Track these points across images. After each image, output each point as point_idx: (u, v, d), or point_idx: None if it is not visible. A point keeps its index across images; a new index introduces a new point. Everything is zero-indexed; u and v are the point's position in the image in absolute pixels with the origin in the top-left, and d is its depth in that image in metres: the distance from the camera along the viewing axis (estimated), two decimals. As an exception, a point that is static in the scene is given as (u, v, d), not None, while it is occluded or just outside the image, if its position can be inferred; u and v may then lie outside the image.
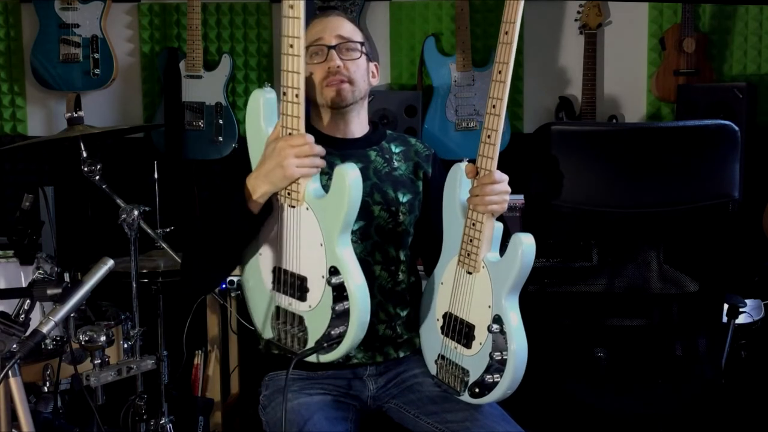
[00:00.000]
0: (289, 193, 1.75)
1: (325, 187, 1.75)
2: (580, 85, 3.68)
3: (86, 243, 3.66)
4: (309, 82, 1.92)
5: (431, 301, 1.91)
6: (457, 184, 1.84)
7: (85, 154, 2.46)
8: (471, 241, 1.78)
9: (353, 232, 1.85)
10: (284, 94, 1.73)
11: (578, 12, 3.69)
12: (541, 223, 2.25)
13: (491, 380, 1.77)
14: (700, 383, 2.30)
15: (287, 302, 1.80)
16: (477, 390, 1.80)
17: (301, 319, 1.79)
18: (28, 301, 1.70)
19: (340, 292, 1.72)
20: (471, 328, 1.80)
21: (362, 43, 1.96)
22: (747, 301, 2.72)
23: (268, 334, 1.86)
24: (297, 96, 1.71)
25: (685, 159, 2.22)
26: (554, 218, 2.24)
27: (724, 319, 2.39)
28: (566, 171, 2.20)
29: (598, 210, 2.23)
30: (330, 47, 1.91)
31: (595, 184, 2.23)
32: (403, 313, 1.97)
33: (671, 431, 2.21)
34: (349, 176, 1.69)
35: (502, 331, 1.74)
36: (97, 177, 2.46)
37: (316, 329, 1.76)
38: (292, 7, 1.70)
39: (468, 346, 1.81)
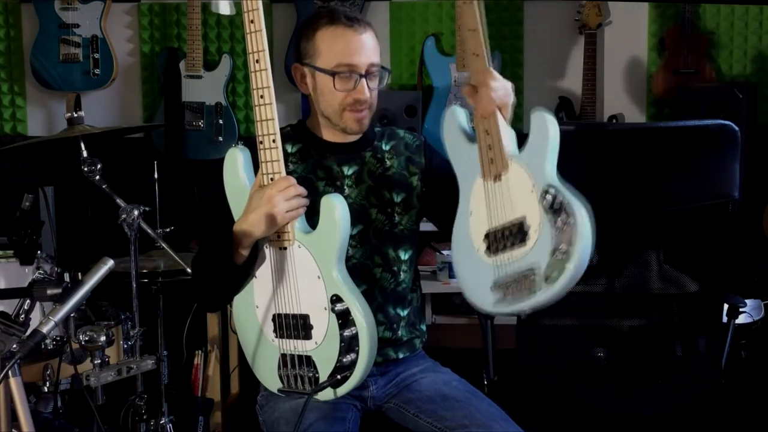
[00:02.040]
0: (279, 236, 1.76)
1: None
2: (580, 85, 3.68)
3: (86, 243, 3.66)
4: (321, 93, 1.87)
5: (465, 236, 1.79)
6: (455, 123, 1.81)
7: (85, 154, 2.46)
8: (490, 148, 1.74)
9: (352, 237, 1.85)
10: (261, 142, 1.74)
11: (578, 12, 3.69)
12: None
13: (564, 248, 1.64)
14: (700, 383, 2.30)
15: (293, 346, 1.80)
16: (553, 273, 1.64)
17: (309, 359, 1.79)
18: (28, 301, 1.69)
19: (345, 319, 1.73)
20: (521, 224, 1.68)
21: (385, 68, 1.90)
22: (747, 301, 2.71)
23: (276, 385, 1.86)
24: (274, 141, 1.73)
25: (685, 159, 2.21)
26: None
27: (724, 319, 2.39)
28: (566, 171, 2.20)
29: (598, 210, 2.23)
30: (362, 76, 1.84)
31: (596, 184, 2.22)
32: (404, 313, 1.96)
33: (671, 431, 2.21)
34: (338, 207, 1.73)
35: (556, 192, 1.65)
36: (97, 177, 2.46)
37: (326, 364, 1.77)
38: (253, 21, 1.70)
39: (524, 241, 1.67)
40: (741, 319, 2.80)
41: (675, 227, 2.29)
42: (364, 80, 1.84)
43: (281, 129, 1.92)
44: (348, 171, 1.93)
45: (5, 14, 3.93)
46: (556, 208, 1.64)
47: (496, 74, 1.74)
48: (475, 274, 1.77)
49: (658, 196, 2.22)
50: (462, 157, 1.82)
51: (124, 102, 3.98)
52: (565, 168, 2.18)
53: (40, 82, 3.86)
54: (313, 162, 1.92)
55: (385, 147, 1.99)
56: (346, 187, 1.92)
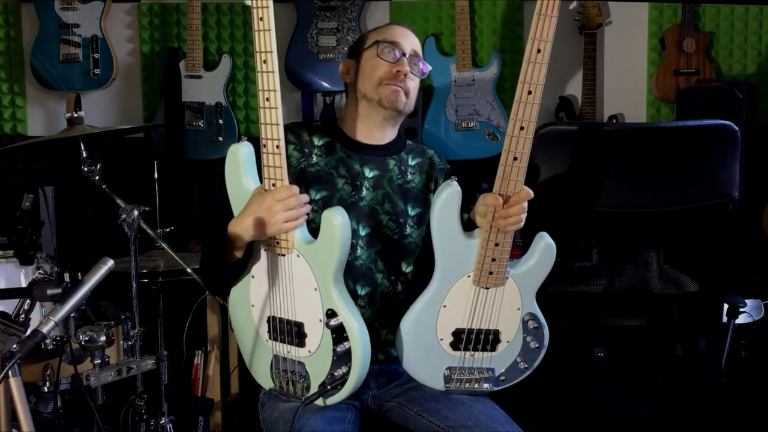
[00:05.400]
0: (278, 242, 1.75)
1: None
2: (580, 85, 3.69)
3: (86, 243, 3.66)
4: (362, 70, 1.93)
5: (429, 325, 1.86)
6: (455, 206, 1.79)
7: (85, 154, 2.46)
8: (494, 260, 1.77)
9: (360, 238, 1.87)
10: (264, 146, 1.70)
11: (578, 12, 3.69)
12: (542, 223, 2.25)
13: (524, 366, 1.88)
14: (700, 383, 2.30)
15: (286, 350, 1.81)
16: (504, 378, 1.89)
17: (301, 365, 1.80)
18: (28, 301, 1.69)
19: (339, 334, 1.73)
20: (497, 333, 1.85)
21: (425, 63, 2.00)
22: (747, 301, 2.72)
23: (269, 384, 1.87)
24: (278, 147, 1.69)
25: (685, 159, 2.22)
26: (555, 218, 2.24)
27: (724, 319, 2.39)
28: (566, 171, 2.20)
29: (598, 210, 2.23)
30: (405, 55, 1.93)
31: (595, 184, 2.23)
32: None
33: (671, 431, 2.21)
34: (337, 221, 1.69)
35: (537, 324, 1.84)
36: (97, 177, 2.46)
37: (318, 373, 1.78)
38: (262, 19, 1.63)
39: (494, 349, 1.86)
40: (741, 319, 2.80)
41: (675, 227, 2.29)
42: (405, 59, 1.92)
43: (311, 123, 1.93)
44: (369, 173, 1.95)
45: (5, 14, 3.93)
46: (532, 338, 1.86)
47: (531, 192, 1.75)
48: (429, 356, 1.89)
49: (658, 196, 2.22)
50: (453, 247, 1.82)
51: (124, 102, 3.98)
52: (565, 168, 2.19)
53: (40, 82, 3.86)
54: (337, 158, 1.94)
55: (411, 162, 2.03)
56: (364, 189, 1.94)
